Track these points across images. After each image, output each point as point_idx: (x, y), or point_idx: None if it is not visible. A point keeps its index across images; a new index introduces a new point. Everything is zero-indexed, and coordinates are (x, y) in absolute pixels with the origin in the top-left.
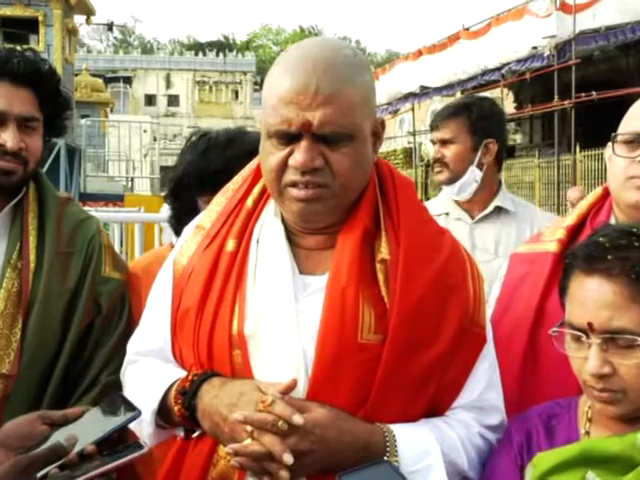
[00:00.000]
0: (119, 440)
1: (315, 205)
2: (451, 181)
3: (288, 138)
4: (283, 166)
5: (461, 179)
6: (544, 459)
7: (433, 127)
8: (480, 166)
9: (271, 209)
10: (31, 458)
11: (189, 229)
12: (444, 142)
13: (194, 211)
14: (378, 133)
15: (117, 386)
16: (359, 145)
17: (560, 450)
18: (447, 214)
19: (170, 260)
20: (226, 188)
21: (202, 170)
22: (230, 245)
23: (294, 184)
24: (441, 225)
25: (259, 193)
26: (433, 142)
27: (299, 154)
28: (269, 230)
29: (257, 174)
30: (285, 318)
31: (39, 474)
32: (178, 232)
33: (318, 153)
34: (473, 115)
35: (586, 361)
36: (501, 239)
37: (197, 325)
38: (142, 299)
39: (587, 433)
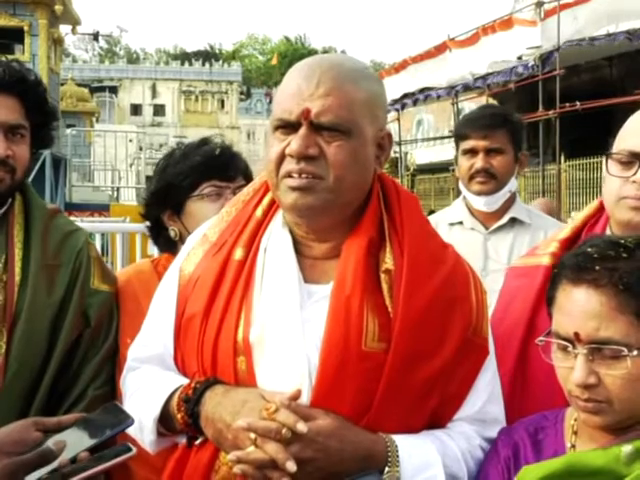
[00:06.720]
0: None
1: (308, 196)
2: (494, 192)
3: (289, 128)
4: (282, 156)
5: (502, 190)
6: (529, 473)
7: (469, 135)
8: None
9: (279, 219)
10: (18, 463)
11: (195, 237)
12: (491, 151)
13: (163, 226)
14: (383, 145)
15: (104, 400)
16: (356, 144)
17: (545, 464)
18: (461, 223)
19: (175, 267)
20: (236, 199)
21: (159, 187)
22: (238, 253)
23: (290, 174)
24: (455, 234)
25: (268, 204)
26: (472, 151)
27: (294, 142)
28: (276, 239)
29: (267, 186)
30: (290, 326)
31: (28, 478)
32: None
33: (314, 142)
34: (514, 126)
35: (572, 371)
36: (514, 249)
37: (202, 331)
38: (122, 313)
39: (573, 446)
